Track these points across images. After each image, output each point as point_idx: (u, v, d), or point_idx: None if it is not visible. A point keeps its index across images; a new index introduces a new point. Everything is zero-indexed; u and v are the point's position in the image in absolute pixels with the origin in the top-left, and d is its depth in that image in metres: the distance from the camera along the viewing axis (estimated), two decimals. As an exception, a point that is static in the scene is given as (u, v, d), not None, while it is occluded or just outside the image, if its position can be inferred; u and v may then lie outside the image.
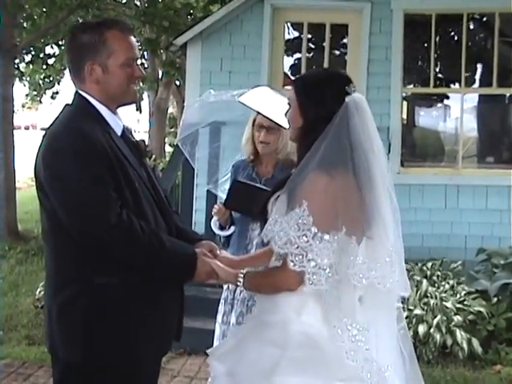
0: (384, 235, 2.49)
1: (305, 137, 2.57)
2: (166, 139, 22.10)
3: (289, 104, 2.67)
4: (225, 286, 4.09)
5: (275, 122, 3.91)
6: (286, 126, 3.82)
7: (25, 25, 11.74)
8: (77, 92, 2.67)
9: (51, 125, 2.63)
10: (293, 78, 8.96)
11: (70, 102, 2.70)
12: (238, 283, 2.60)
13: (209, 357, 2.69)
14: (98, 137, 2.51)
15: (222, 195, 4.65)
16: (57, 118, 2.64)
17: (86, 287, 2.52)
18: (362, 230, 2.47)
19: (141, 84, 17.82)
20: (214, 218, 4.13)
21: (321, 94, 2.56)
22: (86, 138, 2.48)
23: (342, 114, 2.49)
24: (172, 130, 27.44)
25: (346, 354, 2.42)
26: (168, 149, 20.74)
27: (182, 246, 2.63)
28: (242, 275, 2.59)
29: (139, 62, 2.78)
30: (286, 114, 2.70)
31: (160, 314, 2.63)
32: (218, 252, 2.77)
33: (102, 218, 2.43)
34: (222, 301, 4.12)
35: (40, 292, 7.03)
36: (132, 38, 2.69)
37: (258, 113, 4.04)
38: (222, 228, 4.14)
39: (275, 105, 4.11)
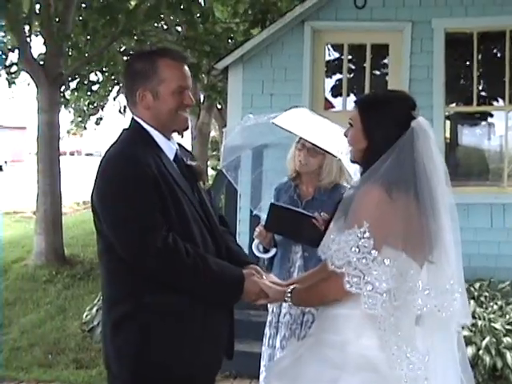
0: (445, 261, 2.47)
1: (369, 159, 2.53)
2: (209, 162, 22.25)
3: (350, 124, 2.63)
4: (269, 310, 4.08)
5: (317, 146, 3.90)
6: (329, 148, 3.81)
7: (70, 53, 11.99)
8: (132, 117, 2.77)
9: (108, 149, 2.73)
10: (334, 100, 8.96)
11: (126, 126, 2.81)
12: (286, 299, 2.62)
13: (266, 374, 2.70)
14: (147, 161, 2.58)
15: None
16: (114, 143, 2.75)
17: (136, 306, 2.59)
18: (424, 255, 2.44)
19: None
20: (256, 241, 4.13)
21: (387, 116, 2.53)
22: (134, 162, 2.56)
23: (407, 137, 2.47)
24: (214, 153, 27.59)
25: (406, 382, 2.39)
26: (210, 172, 20.88)
27: (230, 268, 2.66)
28: (290, 290, 2.61)
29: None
30: (345, 134, 2.66)
31: (208, 335, 2.66)
32: (264, 277, 2.77)
33: (148, 242, 2.49)
34: (267, 323, 4.12)
35: (87, 316, 7.12)
36: (185, 67, 2.75)
37: (300, 138, 4.03)
38: (264, 251, 4.14)
39: (316, 127, 4.10)
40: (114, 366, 2.67)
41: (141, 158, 2.58)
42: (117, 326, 2.63)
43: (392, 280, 2.37)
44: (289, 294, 2.60)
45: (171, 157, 2.74)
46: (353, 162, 2.71)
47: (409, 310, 2.41)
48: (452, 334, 2.53)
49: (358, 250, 2.37)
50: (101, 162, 2.68)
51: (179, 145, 2.88)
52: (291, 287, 2.63)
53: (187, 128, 2.82)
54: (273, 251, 4.10)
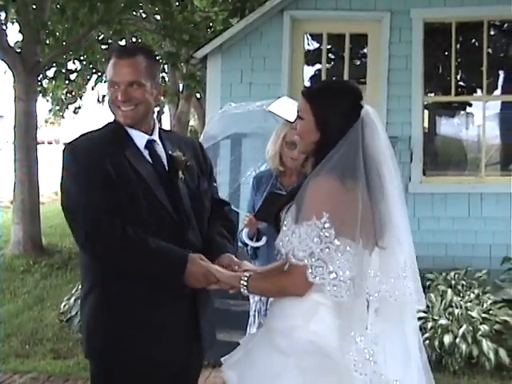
0: (397, 247, 2.49)
1: (322, 151, 2.50)
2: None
3: (300, 117, 2.58)
4: (256, 298, 4.08)
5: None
6: None
7: (47, 41, 11.87)
8: None
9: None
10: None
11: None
12: (242, 286, 2.59)
13: (223, 365, 2.70)
14: (99, 149, 2.73)
15: (238, 210, 4.66)
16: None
17: (96, 284, 2.74)
18: (374, 241, 2.47)
19: (162, 97, 17.95)
20: (246, 230, 4.12)
21: (340, 107, 2.51)
22: (81, 153, 2.74)
23: (357, 126, 2.47)
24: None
25: (354, 366, 2.41)
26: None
27: (172, 249, 2.70)
28: (246, 278, 2.58)
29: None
30: (294, 127, 2.65)
31: (166, 322, 2.74)
32: (237, 267, 2.77)
33: (80, 226, 2.67)
34: (254, 313, 4.11)
35: (65, 306, 7.08)
36: (121, 61, 2.78)
37: (286, 134, 4.04)
38: (251, 239, 4.13)
39: None
40: (84, 341, 2.84)
41: (91, 146, 2.75)
42: (81, 303, 2.82)
43: (354, 267, 2.40)
44: (245, 282, 2.57)
45: (141, 146, 2.81)
46: (303, 153, 2.68)
47: (362, 296, 2.45)
48: (404, 320, 2.55)
49: (320, 240, 2.37)
50: None
51: (173, 134, 3.07)
52: (247, 274, 2.60)
53: (128, 124, 2.82)
54: (263, 240, 4.09)
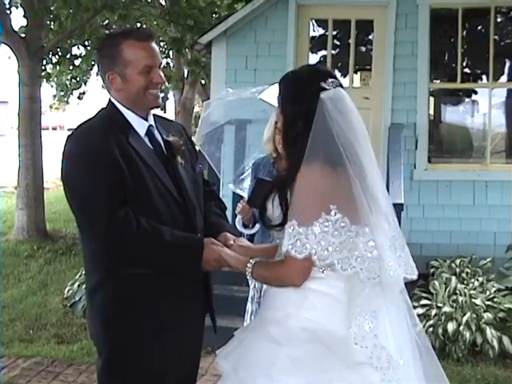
0: (384, 221, 2.50)
1: (285, 134, 2.54)
2: (193, 138, 22.10)
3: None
4: (252, 285, 4.09)
5: None
6: None
7: (51, 26, 11.82)
8: (109, 98, 2.85)
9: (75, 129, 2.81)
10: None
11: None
12: (247, 272, 2.59)
13: (217, 356, 2.71)
14: (106, 137, 2.64)
15: (243, 194, 4.65)
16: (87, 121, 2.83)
17: (108, 275, 2.68)
18: (361, 220, 2.46)
19: (166, 83, 17.90)
20: (239, 217, 4.13)
21: (297, 90, 2.53)
22: (89, 140, 2.66)
23: (319, 110, 2.46)
24: (198, 128, 27.43)
25: (355, 339, 2.42)
26: (194, 148, 20.76)
27: (187, 239, 2.69)
28: (252, 264, 2.58)
29: (165, 62, 2.83)
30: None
31: (175, 310, 2.72)
32: (232, 242, 2.80)
33: (96, 218, 2.58)
34: (249, 299, 4.12)
35: (68, 291, 7.10)
36: (150, 44, 2.77)
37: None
38: (245, 226, 4.14)
39: None
40: (92, 333, 2.79)
41: (98, 134, 2.66)
42: (90, 295, 2.77)
43: (374, 246, 2.42)
44: (249, 269, 2.58)
45: (142, 133, 2.78)
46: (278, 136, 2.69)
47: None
48: (398, 294, 2.56)
49: (339, 233, 2.37)
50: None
51: (162, 118, 2.97)
52: (254, 260, 2.59)
53: (159, 105, 2.86)
54: (256, 227, 4.10)
